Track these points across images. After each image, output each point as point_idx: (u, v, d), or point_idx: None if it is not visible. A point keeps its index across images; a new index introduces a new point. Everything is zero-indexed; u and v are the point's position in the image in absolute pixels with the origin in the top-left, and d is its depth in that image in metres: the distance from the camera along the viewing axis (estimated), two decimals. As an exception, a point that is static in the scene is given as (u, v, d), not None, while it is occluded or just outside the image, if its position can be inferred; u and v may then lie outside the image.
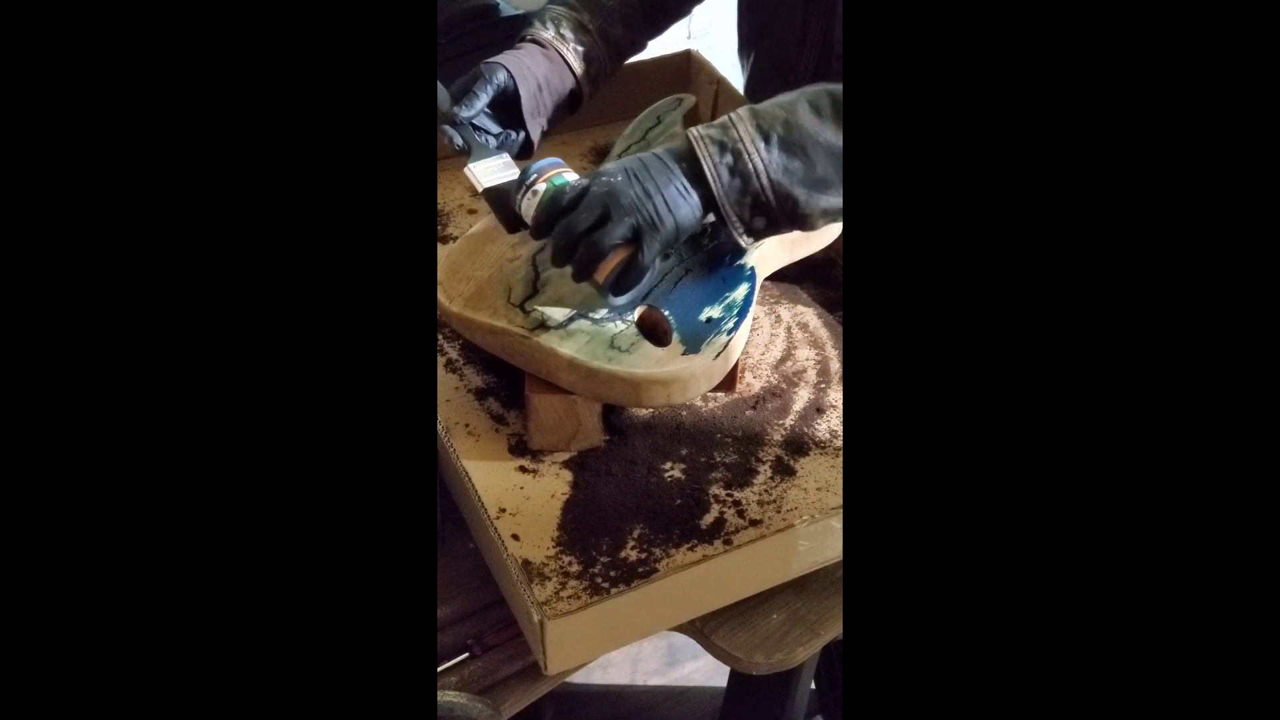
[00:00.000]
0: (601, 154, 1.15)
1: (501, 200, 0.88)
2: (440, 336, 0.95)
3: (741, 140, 0.81)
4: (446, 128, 0.90)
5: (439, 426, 0.83)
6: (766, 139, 0.81)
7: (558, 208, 0.82)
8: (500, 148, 0.94)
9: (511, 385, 0.90)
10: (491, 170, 0.90)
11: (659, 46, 1.17)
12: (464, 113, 0.90)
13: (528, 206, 0.86)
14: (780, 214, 0.82)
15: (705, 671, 1.58)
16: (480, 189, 0.89)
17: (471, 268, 0.90)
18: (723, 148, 0.81)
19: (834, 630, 0.79)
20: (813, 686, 1.26)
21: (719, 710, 1.30)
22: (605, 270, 0.82)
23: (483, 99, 0.91)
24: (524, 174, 0.86)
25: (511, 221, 0.88)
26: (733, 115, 0.83)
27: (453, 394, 0.90)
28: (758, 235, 0.85)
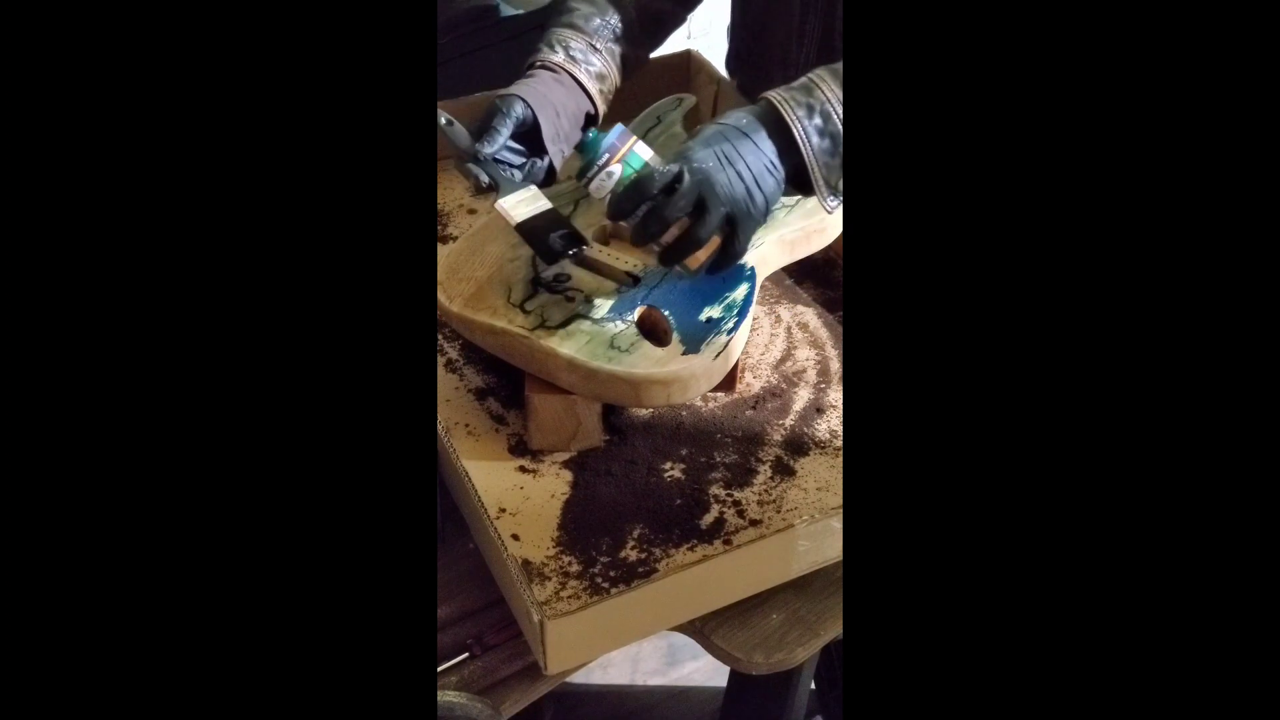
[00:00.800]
0: (601, 154, 1.15)
1: (537, 235, 0.87)
2: (440, 336, 0.95)
3: (829, 100, 0.80)
4: (471, 166, 0.87)
5: (439, 426, 0.83)
6: None
7: (646, 193, 0.79)
8: (525, 177, 0.91)
9: (511, 385, 0.90)
10: (521, 204, 0.88)
11: (660, 48, 1.17)
12: (487, 149, 0.87)
13: (599, 186, 0.84)
14: None
15: (705, 671, 1.58)
16: (513, 224, 0.87)
17: (471, 268, 0.90)
18: (810, 110, 0.81)
19: (834, 630, 0.79)
20: (813, 686, 1.26)
21: (719, 710, 1.30)
22: (701, 259, 0.82)
23: (504, 133, 0.88)
24: (593, 150, 0.84)
25: (549, 255, 0.87)
26: (813, 76, 0.82)
27: (453, 394, 0.90)
28: (841, 199, 0.84)
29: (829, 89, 0.81)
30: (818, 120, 0.81)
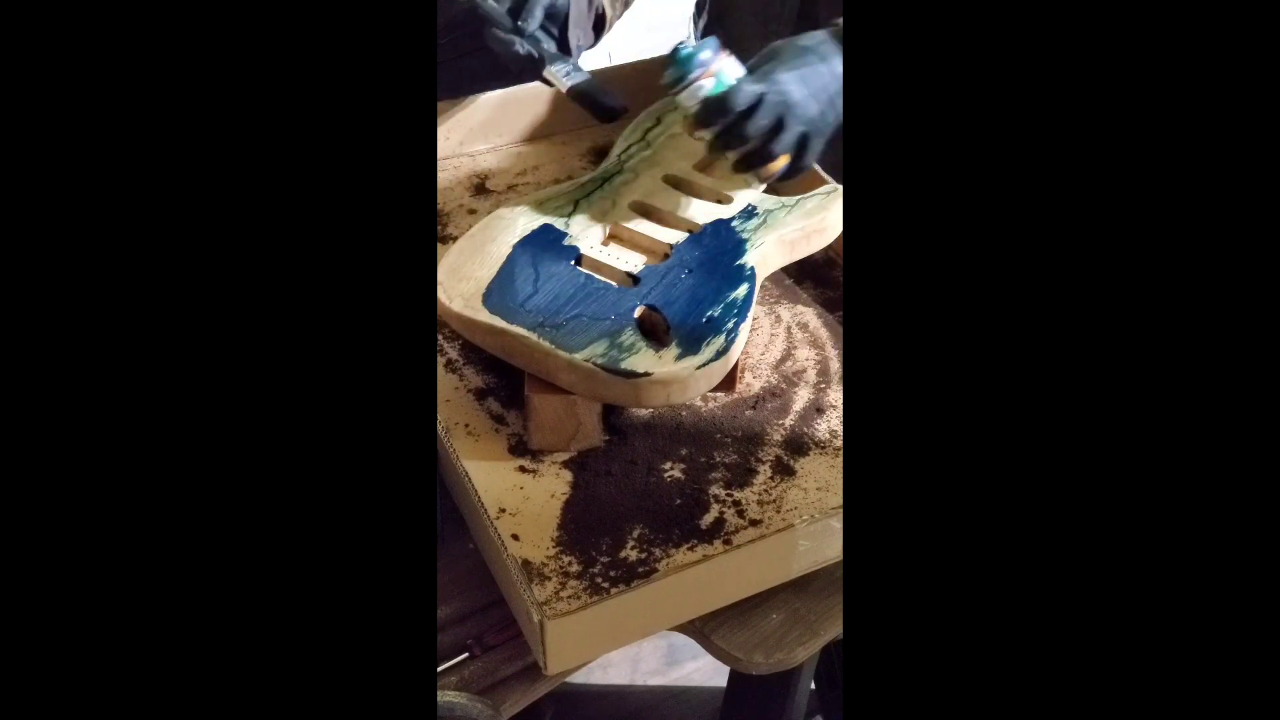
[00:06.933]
0: (601, 154, 1.15)
1: (588, 98, 0.95)
2: (440, 336, 0.95)
3: None
4: (514, 38, 0.94)
5: (439, 426, 0.83)
6: None
7: (731, 110, 0.88)
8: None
9: (511, 385, 0.90)
10: (568, 71, 0.96)
11: (659, 47, 1.18)
12: (530, 26, 0.94)
13: (689, 97, 0.90)
14: None
15: (705, 671, 1.58)
16: (565, 89, 0.95)
17: (471, 268, 0.90)
18: None
19: (834, 630, 0.79)
20: (813, 686, 1.26)
21: (719, 710, 1.30)
22: (771, 171, 0.93)
23: (538, 13, 0.95)
24: (687, 64, 0.89)
25: (602, 114, 0.95)
26: None
27: (453, 394, 0.90)
28: None
29: None
30: None
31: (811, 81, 0.90)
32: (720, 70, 0.90)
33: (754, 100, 0.88)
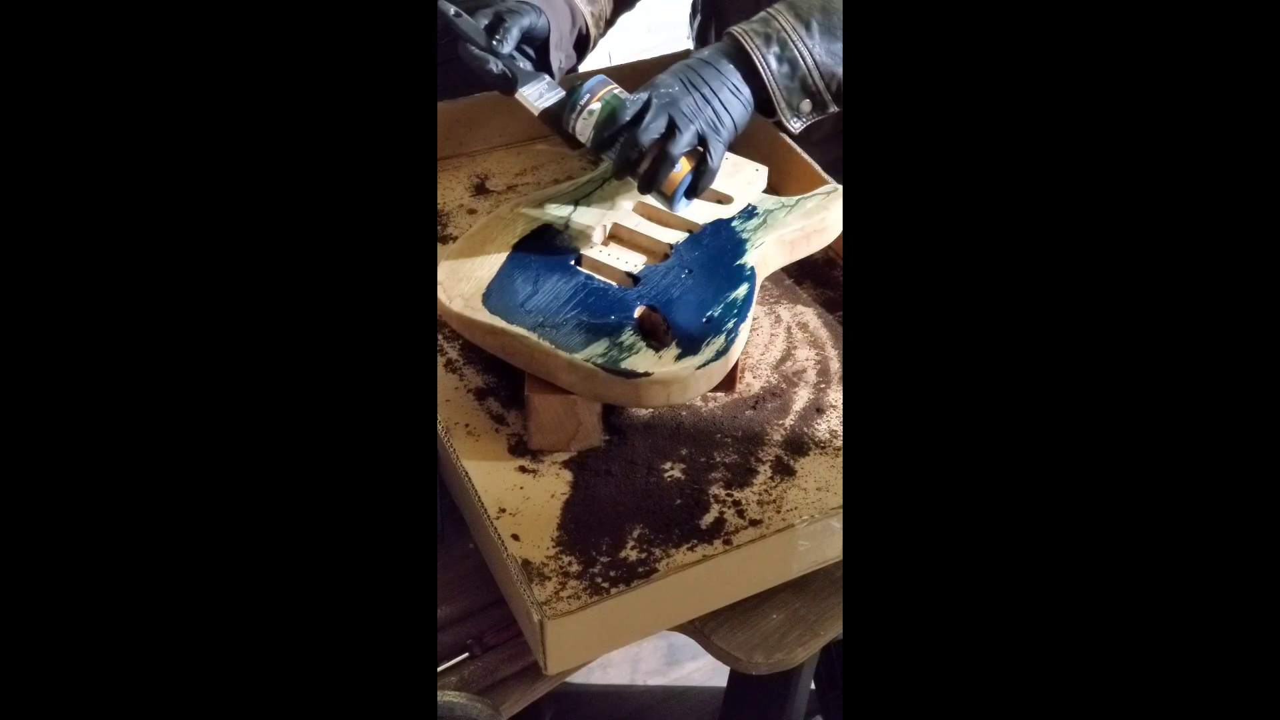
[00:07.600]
0: (601, 154, 1.15)
1: (559, 120, 0.93)
2: (440, 336, 0.95)
3: (785, 29, 0.91)
4: (488, 56, 0.92)
5: (439, 426, 0.83)
6: (807, 26, 0.91)
7: (620, 122, 0.87)
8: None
9: (511, 385, 0.90)
10: (540, 93, 0.93)
11: (659, 47, 1.18)
12: (505, 47, 0.93)
13: (583, 126, 0.90)
14: (826, 94, 0.92)
15: (705, 671, 1.58)
16: (536, 113, 0.93)
17: (471, 268, 0.90)
18: (768, 39, 0.90)
19: (834, 630, 0.79)
20: (813, 686, 1.26)
21: (719, 710, 1.30)
22: (677, 180, 0.89)
23: (515, 34, 0.94)
24: (575, 94, 0.90)
25: (572, 142, 0.93)
26: (770, 10, 0.92)
27: (453, 394, 0.90)
28: (805, 119, 0.94)
29: (784, 19, 0.91)
30: (775, 48, 0.91)
31: (698, 84, 0.89)
32: (607, 95, 0.90)
33: (640, 107, 0.87)
